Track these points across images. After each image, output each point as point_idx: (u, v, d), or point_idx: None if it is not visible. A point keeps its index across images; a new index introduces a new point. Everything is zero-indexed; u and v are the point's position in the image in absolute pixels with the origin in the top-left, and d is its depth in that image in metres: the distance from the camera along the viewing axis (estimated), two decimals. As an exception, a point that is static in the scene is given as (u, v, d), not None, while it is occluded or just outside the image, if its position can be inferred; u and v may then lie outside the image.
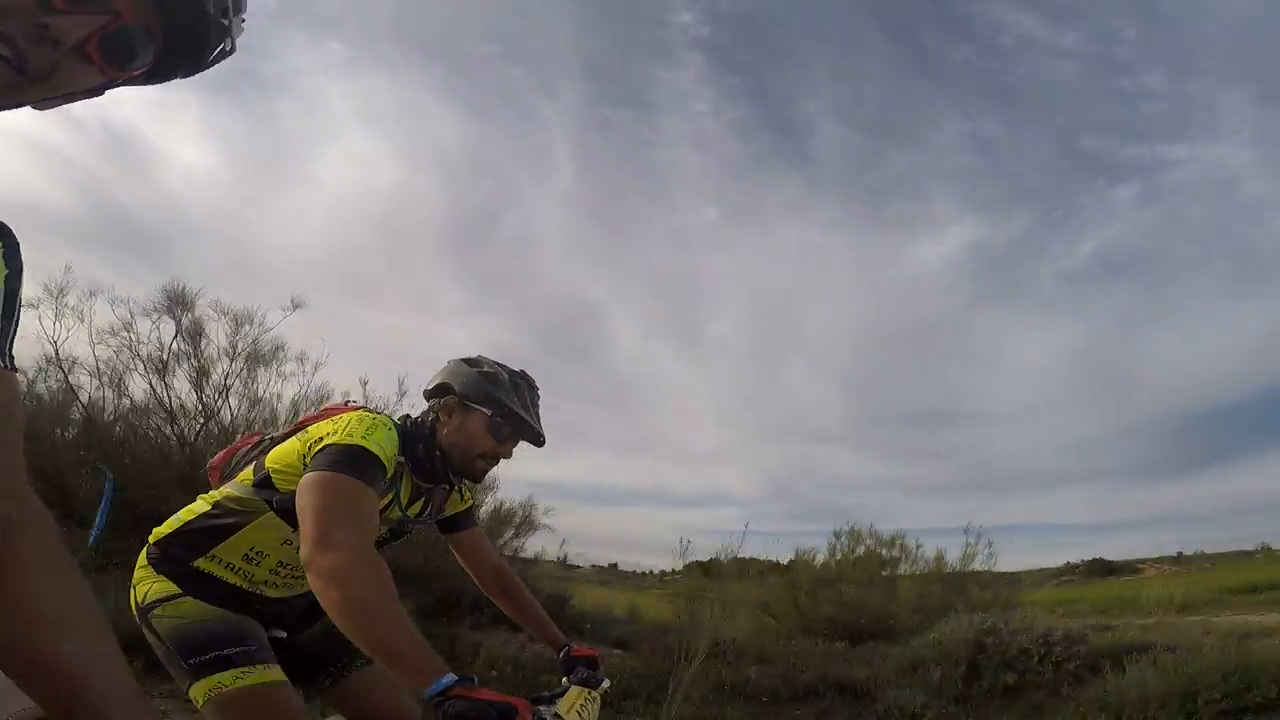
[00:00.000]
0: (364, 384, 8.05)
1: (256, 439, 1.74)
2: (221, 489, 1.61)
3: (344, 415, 1.51)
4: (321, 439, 1.43)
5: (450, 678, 1.08)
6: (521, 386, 1.69)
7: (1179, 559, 27.89)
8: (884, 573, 9.99)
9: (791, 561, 10.98)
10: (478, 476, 1.69)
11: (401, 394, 7.87)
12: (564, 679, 1.76)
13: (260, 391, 7.95)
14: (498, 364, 1.71)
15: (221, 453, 1.79)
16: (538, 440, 1.71)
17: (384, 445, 1.43)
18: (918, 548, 10.11)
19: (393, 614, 1.15)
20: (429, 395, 1.72)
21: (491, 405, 1.61)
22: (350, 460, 1.35)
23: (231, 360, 7.83)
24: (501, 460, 1.69)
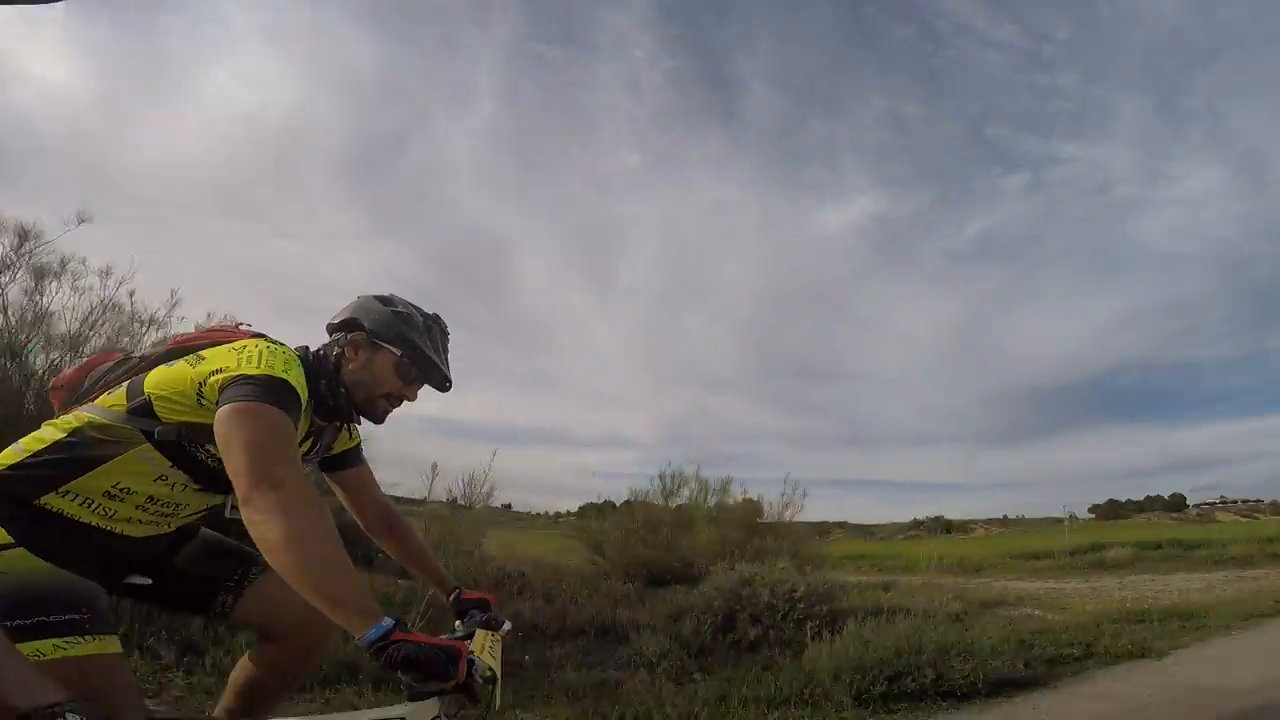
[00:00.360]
0: (131, 295, 7.05)
1: (119, 357, 1.61)
2: (79, 414, 1.42)
3: (248, 344, 1.42)
4: (227, 369, 1.33)
5: (389, 622, 1.07)
6: (434, 329, 1.65)
7: (1004, 521, 31.08)
8: (709, 518, 10.14)
9: (626, 503, 11.14)
10: (379, 417, 1.64)
11: (173, 304, 6.93)
12: (457, 622, 1.72)
13: (46, 305, 6.84)
14: (411, 305, 1.67)
15: (71, 369, 1.67)
16: (444, 386, 1.67)
17: (301, 382, 1.38)
18: (743, 493, 10.34)
19: (335, 554, 1.13)
20: (334, 329, 1.65)
21: (402, 345, 1.58)
22: (275, 393, 1.30)
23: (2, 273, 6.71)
24: (405, 402, 1.64)
